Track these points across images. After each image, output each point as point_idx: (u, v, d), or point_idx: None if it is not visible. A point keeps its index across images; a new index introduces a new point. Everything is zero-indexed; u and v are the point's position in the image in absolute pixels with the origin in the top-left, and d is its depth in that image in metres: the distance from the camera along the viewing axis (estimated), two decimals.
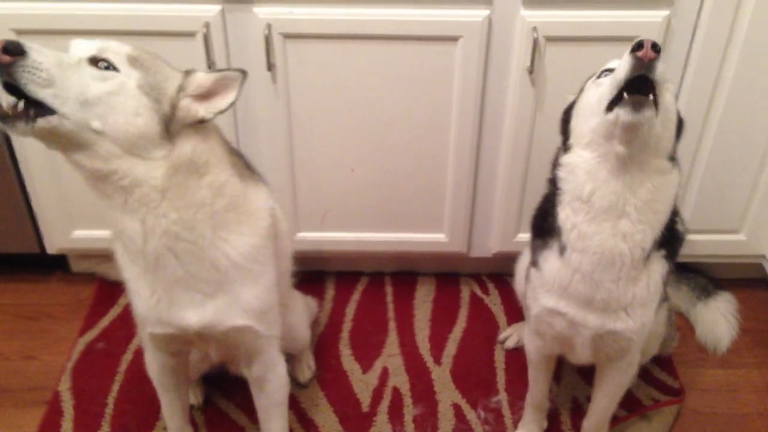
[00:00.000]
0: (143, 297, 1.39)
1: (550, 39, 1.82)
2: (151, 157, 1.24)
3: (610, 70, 1.34)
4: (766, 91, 1.91)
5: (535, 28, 1.79)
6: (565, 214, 1.43)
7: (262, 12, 1.78)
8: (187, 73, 1.31)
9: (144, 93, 1.22)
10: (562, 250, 1.46)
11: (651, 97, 1.25)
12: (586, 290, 1.46)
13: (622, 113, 1.25)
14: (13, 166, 2.05)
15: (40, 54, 1.15)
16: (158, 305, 1.39)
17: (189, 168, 1.28)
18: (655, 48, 1.21)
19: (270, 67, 1.84)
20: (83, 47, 1.23)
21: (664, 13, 1.79)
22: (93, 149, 1.20)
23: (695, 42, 1.84)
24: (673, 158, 1.38)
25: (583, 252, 1.42)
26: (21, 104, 1.16)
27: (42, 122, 1.16)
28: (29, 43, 1.15)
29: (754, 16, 1.79)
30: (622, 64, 1.26)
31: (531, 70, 1.84)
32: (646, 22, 1.79)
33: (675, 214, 1.44)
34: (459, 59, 1.85)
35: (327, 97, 1.92)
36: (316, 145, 2.01)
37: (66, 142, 1.20)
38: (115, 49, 1.23)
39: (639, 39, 1.22)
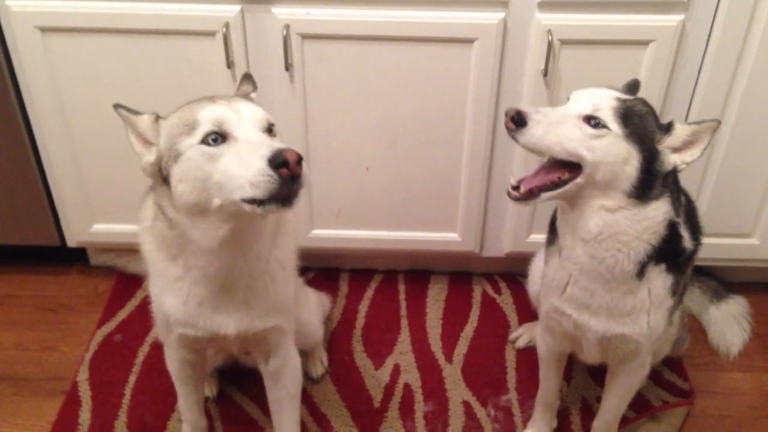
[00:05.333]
0: (180, 301, 1.40)
1: (564, 42, 1.83)
2: None
3: (568, 98, 1.42)
4: None
5: (549, 31, 1.80)
6: (558, 222, 1.49)
7: (281, 12, 1.81)
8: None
9: None
10: (560, 251, 1.49)
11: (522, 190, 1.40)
12: (582, 296, 1.48)
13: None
14: (35, 160, 2.09)
15: None
16: (197, 312, 1.40)
17: None
18: (516, 122, 1.34)
19: (288, 66, 1.87)
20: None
21: (679, 17, 1.79)
22: None
23: (710, 46, 1.84)
24: (643, 195, 1.35)
25: (569, 260, 1.46)
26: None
27: None
28: None
29: None
30: None
31: (545, 73, 1.86)
32: (661, 26, 1.80)
33: (677, 234, 1.43)
34: (474, 61, 1.87)
35: (343, 97, 1.95)
36: (331, 144, 2.03)
37: None
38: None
39: (515, 110, 1.35)
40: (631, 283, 1.44)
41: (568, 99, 1.40)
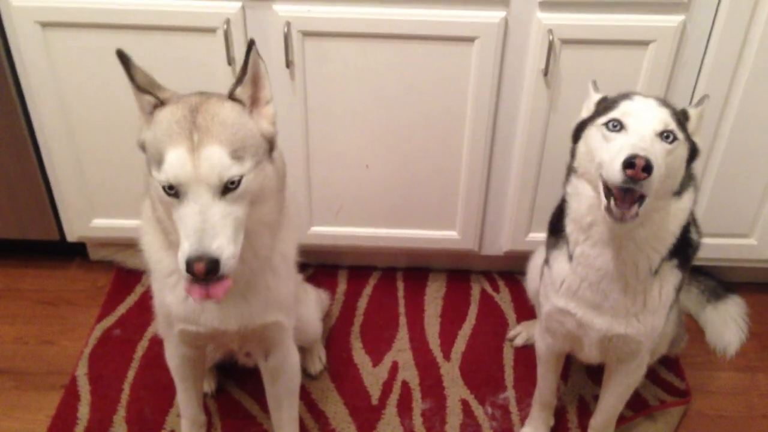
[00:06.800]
0: (181, 298, 1.40)
1: (565, 41, 1.83)
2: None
3: (618, 122, 1.32)
4: None
5: (550, 31, 1.80)
6: (569, 229, 1.46)
7: (282, 9, 1.81)
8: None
9: None
10: (570, 257, 1.48)
11: (637, 207, 1.27)
12: (594, 297, 1.48)
13: (607, 216, 1.30)
14: (35, 155, 2.09)
15: None
16: (198, 308, 1.40)
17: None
18: (646, 170, 1.21)
19: (288, 64, 1.87)
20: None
21: (680, 18, 1.80)
22: None
23: (710, 47, 1.85)
24: (680, 190, 1.37)
25: (587, 267, 1.45)
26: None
27: None
28: None
29: None
30: (613, 173, 1.24)
31: (546, 72, 1.86)
32: (662, 27, 1.80)
33: (688, 223, 1.44)
34: (475, 60, 1.87)
35: (343, 95, 1.95)
36: (331, 141, 2.03)
37: None
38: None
39: (633, 154, 1.22)
40: (647, 282, 1.44)
41: (617, 123, 1.32)
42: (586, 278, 1.47)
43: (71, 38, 1.87)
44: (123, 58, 1.26)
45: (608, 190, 1.30)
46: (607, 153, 1.30)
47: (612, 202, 1.28)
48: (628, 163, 1.21)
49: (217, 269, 1.15)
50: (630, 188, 1.24)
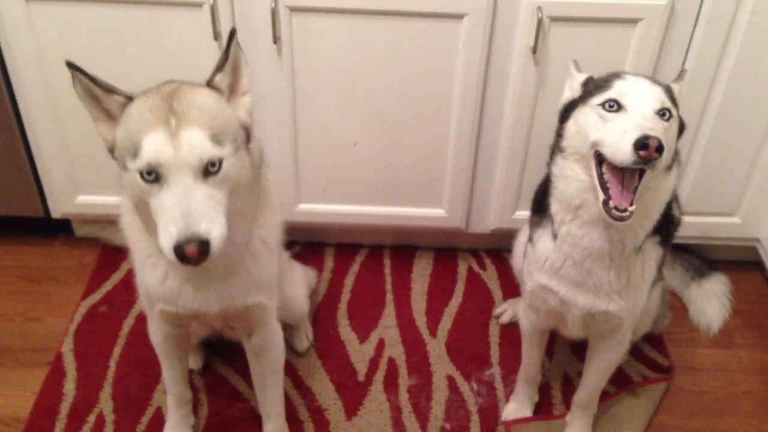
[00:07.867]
0: (159, 279, 1.40)
1: (554, 19, 1.82)
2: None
3: (615, 102, 1.31)
4: (766, 78, 1.92)
5: (539, 8, 1.79)
6: (555, 209, 1.47)
7: None
8: None
9: None
10: (555, 235, 1.49)
11: (631, 206, 1.28)
12: (577, 275, 1.49)
13: (605, 214, 1.30)
14: (19, 131, 2.07)
15: None
16: (177, 290, 1.40)
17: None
18: (659, 150, 1.21)
19: (275, 39, 1.85)
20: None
21: None
22: None
23: (698, 26, 1.84)
24: (668, 166, 1.38)
25: (572, 245, 1.45)
26: None
27: None
28: None
29: (757, 1, 1.79)
30: (622, 154, 1.24)
31: (534, 50, 1.85)
32: (650, 5, 1.80)
33: (671, 200, 1.46)
34: (463, 37, 1.86)
35: (331, 71, 1.93)
36: (318, 118, 2.02)
37: None
38: None
39: (645, 135, 1.21)
40: (630, 258, 1.45)
41: (614, 103, 1.31)
42: (570, 256, 1.48)
43: (55, 12, 1.84)
44: (74, 67, 1.21)
45: (603, 180, 1.31)
46: (607, 134, 1.29)
47: (609, 198, 1.30)
48: (642, 144, 1.21)
49: (208, 251, 1.14)
50: (638, 168, 1.25)
